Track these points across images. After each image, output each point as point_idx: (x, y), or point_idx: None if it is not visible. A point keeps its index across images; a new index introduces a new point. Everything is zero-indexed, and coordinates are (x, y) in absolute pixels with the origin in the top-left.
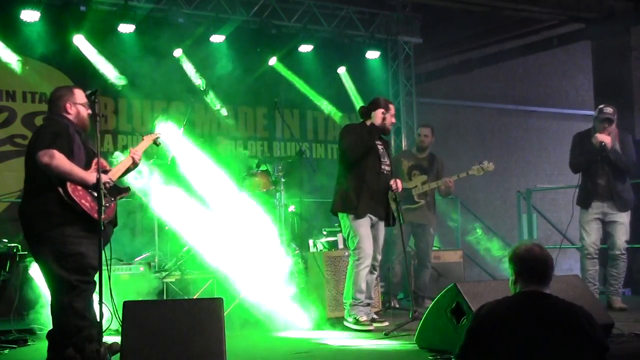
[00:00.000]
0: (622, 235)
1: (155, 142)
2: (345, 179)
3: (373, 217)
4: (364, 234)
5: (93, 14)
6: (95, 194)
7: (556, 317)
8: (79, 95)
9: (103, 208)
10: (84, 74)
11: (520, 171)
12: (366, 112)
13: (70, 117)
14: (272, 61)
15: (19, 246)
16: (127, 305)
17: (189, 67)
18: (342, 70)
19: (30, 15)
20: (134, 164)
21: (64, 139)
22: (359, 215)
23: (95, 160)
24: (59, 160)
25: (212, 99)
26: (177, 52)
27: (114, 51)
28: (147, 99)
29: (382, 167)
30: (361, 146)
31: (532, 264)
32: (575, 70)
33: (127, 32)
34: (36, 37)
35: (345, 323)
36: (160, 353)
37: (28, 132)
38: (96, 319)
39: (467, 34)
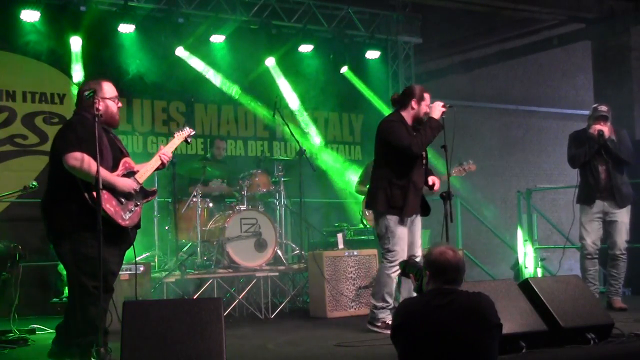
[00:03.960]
0: (622, 235)
1: (187, 141)
2: (391, 176)
3: (413, 215)
4: (402, 236)
5: (93, 13)
6: (122, 198)
7: (459, 309)
8: (108, 89)
9: (129, 214)
10: (84, 74)
11: (520, 171)
12: (401, 101)
13: (99, 113)
14: (270, 62)
15: (19, 246)
16: (127, 305)
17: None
18: (344, 70)
19: (30, 15)
20: (163, 165)
21: (92, 141)
22: (403, 219)
23: (123, 161)
24: (87, 164)
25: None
26: (180, 52)
27: (114, 51)
28: (147, 99)
29: (423, 160)
30: (425, 143)
31: (444, 267)
32: (575, 70)
33: (127, 32)
34: (36, 36)
35: (370, 326)
36: (160, 353)
37: (28, 132)
38: (104, 326)
39: (468, 33)
